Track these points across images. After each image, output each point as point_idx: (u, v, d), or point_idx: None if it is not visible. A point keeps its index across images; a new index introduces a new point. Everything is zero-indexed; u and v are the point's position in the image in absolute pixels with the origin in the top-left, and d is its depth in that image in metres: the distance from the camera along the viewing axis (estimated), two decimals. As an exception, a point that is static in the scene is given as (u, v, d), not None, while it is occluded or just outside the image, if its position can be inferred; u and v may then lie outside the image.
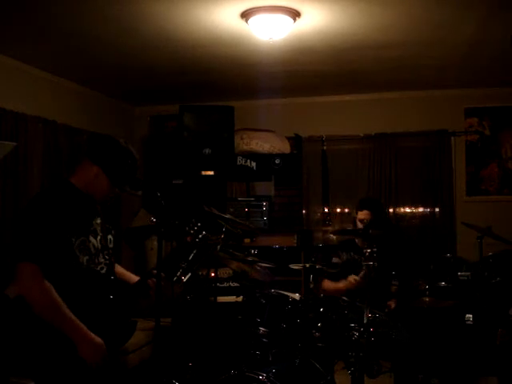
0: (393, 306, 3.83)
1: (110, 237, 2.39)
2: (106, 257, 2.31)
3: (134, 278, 2.50)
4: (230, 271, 4.56)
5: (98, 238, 2.28)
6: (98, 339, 2.13)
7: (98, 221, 2.33)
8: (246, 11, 3.54)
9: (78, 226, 2.17)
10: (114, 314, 2.20)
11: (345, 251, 4.08)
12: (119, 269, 2.54)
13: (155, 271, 2.36)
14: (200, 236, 2.37)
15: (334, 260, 4.08)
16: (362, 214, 3.98)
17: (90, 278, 2.20)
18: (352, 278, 3.79)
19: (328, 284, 3.97)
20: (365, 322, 2.98)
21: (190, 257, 2.39)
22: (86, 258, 2.18)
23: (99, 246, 2.27)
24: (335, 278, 3.95)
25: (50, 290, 2.04)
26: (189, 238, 2.35)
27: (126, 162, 2.30)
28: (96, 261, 2.25)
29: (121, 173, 2.29)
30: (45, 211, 2.11)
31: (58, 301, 2.05)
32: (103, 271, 2.28)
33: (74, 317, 2.07)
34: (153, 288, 2.37)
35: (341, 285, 3.86)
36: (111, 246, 2.40)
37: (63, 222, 2.10)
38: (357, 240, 4.02)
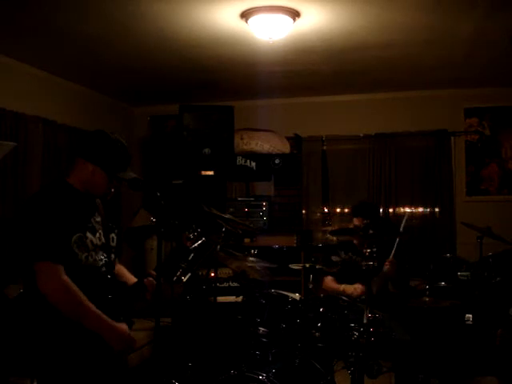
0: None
1: (112, 235, 2.39)
2: (105, 254, 2.31)
3: (133, 280, 2.50)
4: (230, 271, 4.55)
5: (97, 234, 2.28)
6: (122, 326, 2.19)
7: (98, 219, 2.32)
8: (245, 11, 3.54)
9: (74, 223, 2.17)
10: (110, 313, 2.20)
11: (343, 251, 4.10)
12: (121, 269, 2.54)
13: (154, 272, 2.37)
14: (200, 241, 2.38)
15: (334, 258, 4.10)
16: (357, 221, 4.02)
17: (89, 275, 2.20)
18: (358, 287, 3.80)
19: (329, 282, 3.99)
20: (365, 321, 2.98)
21: (190, 257, 2.39)
22: (84, 254, 2.18)
23: (98, 242, 2.26)
24: (339, 279, 3.96)
25: (72, 286, 2.06)
26: (189, 244, 2.35)
27: (118, 153, 2.30)
28: (96, 257, 2.24)
29: (116, 164, 2.29)
30: (48, 210, 2.12)
31: (79, 296, 2.07)
32: (103, 269, 2.28)
33: (96, 309, 2.10)
34: (149, 290, 2.38)
35: (341, 288, 3.88)
36: (114, 244, 2.39)
37: (63, 219, 2.11)
38: (355, 241, 4.03)
